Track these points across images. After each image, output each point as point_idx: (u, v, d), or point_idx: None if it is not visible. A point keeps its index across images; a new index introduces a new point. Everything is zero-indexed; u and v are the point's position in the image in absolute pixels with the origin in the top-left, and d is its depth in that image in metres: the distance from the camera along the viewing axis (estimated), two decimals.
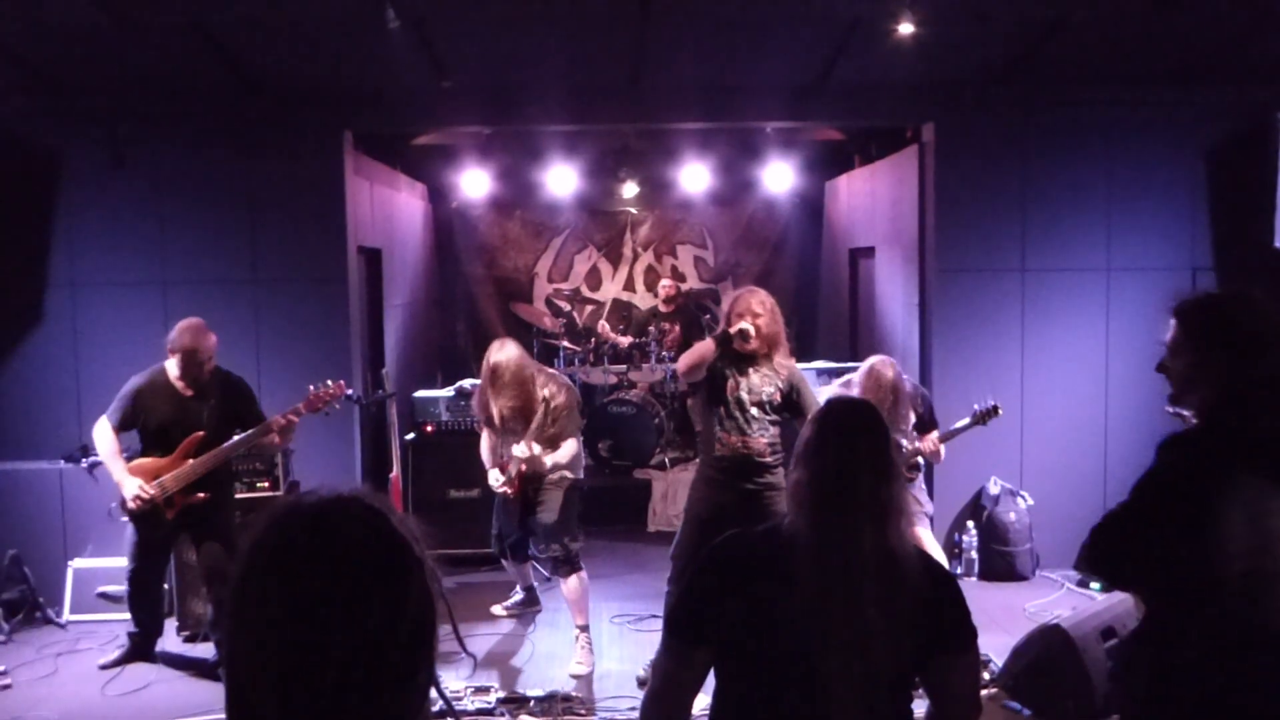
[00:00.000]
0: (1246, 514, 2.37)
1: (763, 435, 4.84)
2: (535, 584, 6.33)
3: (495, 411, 5.39)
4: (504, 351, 5.38)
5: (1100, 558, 2.55)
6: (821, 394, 5.59)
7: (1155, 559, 2.47)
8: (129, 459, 5.25)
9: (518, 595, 6.29)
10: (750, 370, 4.83)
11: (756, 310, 4.79)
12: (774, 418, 4.89)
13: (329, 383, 5.37)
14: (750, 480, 4.83)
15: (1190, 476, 2.44)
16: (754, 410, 4.82)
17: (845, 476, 2.11)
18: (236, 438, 5.26)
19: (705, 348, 4.83)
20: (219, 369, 5.36)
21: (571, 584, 5.48)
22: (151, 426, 5.24)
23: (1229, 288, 2.75)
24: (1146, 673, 2.53)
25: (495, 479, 5.52)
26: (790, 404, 4.87)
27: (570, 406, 5.44)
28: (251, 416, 5.34)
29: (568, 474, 5.54)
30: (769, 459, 4.85)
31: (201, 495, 5.22)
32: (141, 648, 5.53)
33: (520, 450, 5.28)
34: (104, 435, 5.21)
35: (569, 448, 5.44)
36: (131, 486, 5.11)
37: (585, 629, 5.51)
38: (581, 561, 5.58)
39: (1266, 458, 2.41)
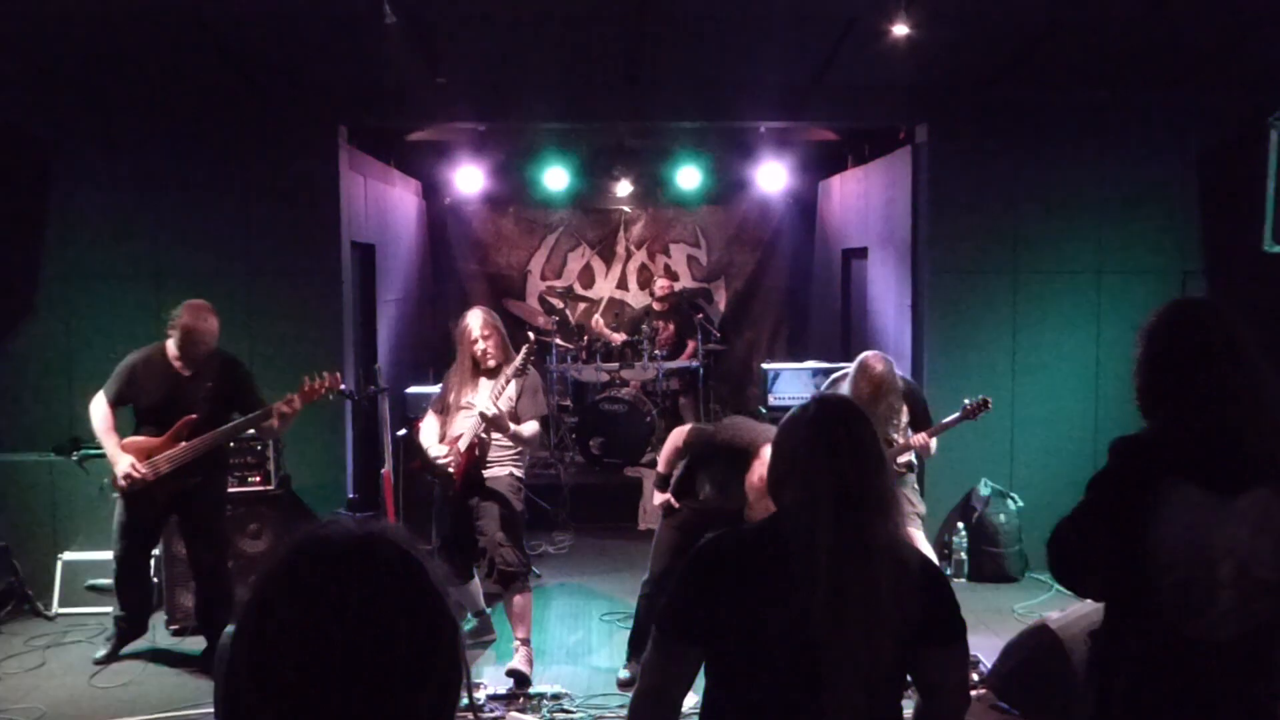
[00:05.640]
0: (1183, 523, 2.34)
1: None
2: (486, 608, 5.83)
3: (469, 359, 5.25)
4: (474, 310, 5.40)
5: (1054, 563, 2.61)
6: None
7: (1099, 561, 2.49)
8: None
9: (469, 624, 5.77)
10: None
11: None
12: None
13: (324, 374, 5.25)
14: None
15: (1131, 481, 2.42)
16: None
17: (852, 475, 2.11)
18: (233, 422, 5.17)
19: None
20: (219, 350, 5.29)
21: (518, 600, 5.26)
22: (145, 404, 5.16)
23: (1184, 298, 2.74)
24: (1099, 672, 2.56)
25: (439, 450, 5.23)
26: None
27: (536, 386, 5.34)
28: (248, 400, 5.25)
29: (516, 470, 5.37)
30: None
31: (193, 480, 5.17)
32: (130, 633, 5.51)
33: (484, 404, 5.03)
34: (99, 410, 5.16)
35: (532, 425, 5.29)
36: (123, 464, 5.04)
37: (527, 642, 5.30)
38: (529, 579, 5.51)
39: (1211, 468, 2.36)
